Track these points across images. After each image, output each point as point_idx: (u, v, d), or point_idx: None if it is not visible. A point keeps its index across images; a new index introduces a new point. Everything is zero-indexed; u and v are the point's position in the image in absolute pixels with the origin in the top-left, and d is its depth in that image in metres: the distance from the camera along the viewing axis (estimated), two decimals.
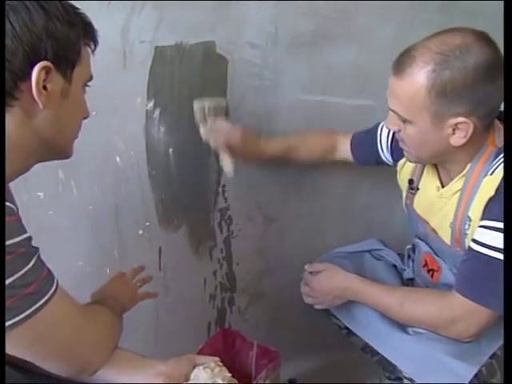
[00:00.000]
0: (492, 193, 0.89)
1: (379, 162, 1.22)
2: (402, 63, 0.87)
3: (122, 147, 1.18)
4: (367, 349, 1.18)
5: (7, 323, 0.60)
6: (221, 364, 0.87)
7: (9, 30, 0.63)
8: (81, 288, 1.13)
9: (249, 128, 1.22)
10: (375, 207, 1.43)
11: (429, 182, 1.06)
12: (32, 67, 0.64)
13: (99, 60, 1.05)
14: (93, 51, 0.77)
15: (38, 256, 0.67)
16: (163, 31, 1.16)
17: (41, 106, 0.67)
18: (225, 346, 1.26)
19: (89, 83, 0.77)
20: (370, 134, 1.22)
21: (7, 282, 0.59)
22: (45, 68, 0.65)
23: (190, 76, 1.21)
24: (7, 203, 0.62)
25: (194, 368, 0.85)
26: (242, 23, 1.21)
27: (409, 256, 1.22)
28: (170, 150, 1.23)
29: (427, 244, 1.10)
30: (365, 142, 1.23)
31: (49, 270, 0.69)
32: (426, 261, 1.12)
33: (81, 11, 0.73)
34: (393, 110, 0.92)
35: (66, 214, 1.18)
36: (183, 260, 1.31)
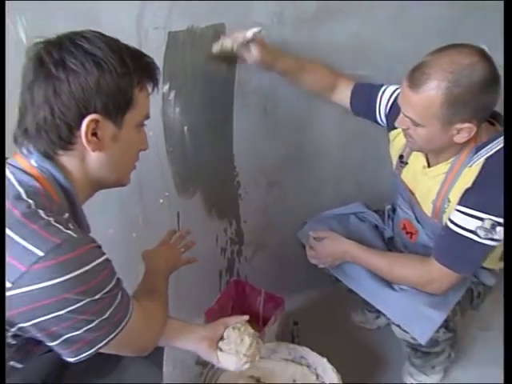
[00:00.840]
0: (469, 184, 1.08)
1: (372, 119, 1.34)
2: (417, 79, 1.00)
3: None
4: (352, 290, 1.43)
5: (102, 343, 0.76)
6: (246, 323, 1.08)
7: (65, 87, 0.72)
8: (112, 249, 1.33)
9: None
10: (365, 169, 1.58)
11: (416, 160, 1.23)
12: (83, 120, 0.74)
13: None
14: (153, 90, 0.84)
15: (123, 288, 0.79)
16: (175, 17, 1.21)
17: (91, 151, 0.77)
18: (236, 294, 1.49)
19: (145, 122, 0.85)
20: (372, 93, 1.32)
21: (104, 316, 0.73)
22: (93, 120, 0.74)
23: (202, 57, 1.28)
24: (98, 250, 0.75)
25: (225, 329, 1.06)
26: (249, 4, 1.26)
27: (389, 215, 1.42)
28: (185, 128, 1.33)
29: (410, 208, 1.29)
30: (365, 97, 1.33)
31: (127, 295, 0.81)
32: (404, 225, 1.33)
33: (142, 55, 0.81)
34: (406, 115, 1.06)
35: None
36: (198, 221, 1.47)
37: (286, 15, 1.32)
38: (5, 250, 0.68)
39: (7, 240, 0.67)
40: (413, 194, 1.27)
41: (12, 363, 0.79)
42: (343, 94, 1.34)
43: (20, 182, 0.74)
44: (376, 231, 1.44)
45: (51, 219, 0.70)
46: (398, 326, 1.21)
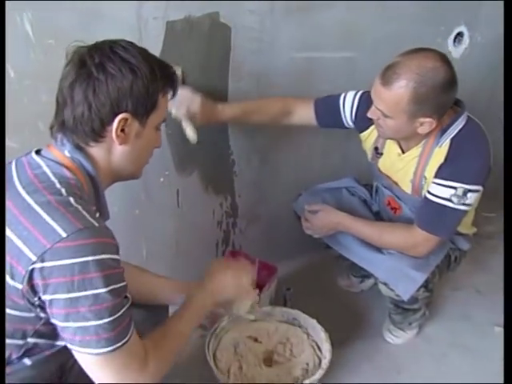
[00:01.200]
0: (442, 160, 1.23)
1: (340, 127, 1.45)
2: (389, 77, 1.14)
3: None
4: (340, 257, 1.56)
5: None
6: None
7: (104, 87, 0.81)
8: (118, 225, 1.43)
9: (204, 95, 1.31)
10: (350, 142, 1.66)
11: (391, 149, 1.37)
12: (115, 117, 0.84)
13: (119, 37, 1.20)
14: (172, 97, 0.94)
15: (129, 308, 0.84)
16: (173, 7, 1.27)
17: (118, 144, 0.87)
18: None
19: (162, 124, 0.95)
20: (334, 104, 1.42)
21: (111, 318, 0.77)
22: (124, 118, 0.84)
23: (198, 44, 1.35)
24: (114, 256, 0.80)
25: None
26: None
27: (376, 191, 1.55)
28: None
29: (390, 191, 1.43)
30: (328, 109, 1.44)
31: (130, 319, 0.83)
32: (388, 201, 1.46)
33: (167, 66, 0.90)
34: (377, 108, 1.19)
35: None
36: (196, 197, 1.57)
37: (277, 3, 1.40)
38: (5, 250, 0.77)
39: (38, 219, 0.76)
40: (390, 178, 1.41)
41: (24, 360, 0.85)
42: (302, 115, 1.44)
43: (54, 173, 0.83)
44: (365, 205, 1.57)
45: (79, 207, 0.79)
46: (385, 284, 1.36)
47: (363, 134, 1.42)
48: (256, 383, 1.24)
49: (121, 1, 1.20)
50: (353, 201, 1.54)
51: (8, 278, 0.77)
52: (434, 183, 1.24)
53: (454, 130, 1.23)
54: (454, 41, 1.74)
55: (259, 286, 1.56)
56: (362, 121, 1.36)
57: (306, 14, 1.44)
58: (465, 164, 1.22)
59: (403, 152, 1.34)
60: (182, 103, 1.27)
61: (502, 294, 1.70)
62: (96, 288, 0.77)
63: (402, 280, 1.32)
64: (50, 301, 0.77)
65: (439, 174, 1.24)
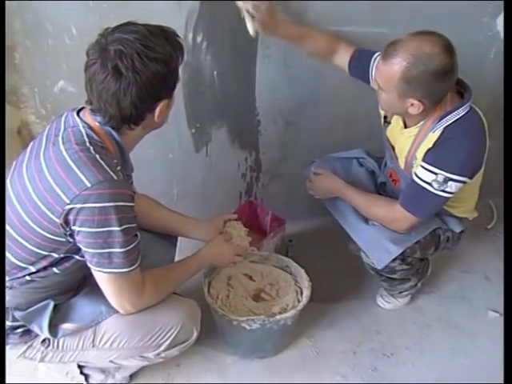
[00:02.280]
0: (430, 145, 1.30)
1: (366, 82, 1.48)
2: (388, 53, 1.21)
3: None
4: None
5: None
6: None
7: (143, 87, 0.95)
8: (153, 166, 1.64)
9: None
10: (374, 116, 1.75)
11: (397, 121, 1.44)
12: (156, 105, 1.02)
13: (162, 6, 1.40)
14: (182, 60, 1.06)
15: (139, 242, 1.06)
16: None
17: (157, 120, 1.06)
18: (250, 212, 1.82)
19: None
20: (367, 59, 1.47)
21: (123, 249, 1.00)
22: (164, 104, 1.03)
23: (231, 14, 1.50)
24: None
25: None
26: None
27: (385, 164, 1.63)
28: (215, 72, 1.60)
29: (392, 163, 1.51)
30: (360, 62, 1.49)
31: (138, 253, 1.05)
32: (390, 173, 1.55)
33: (178, 41, 1.03)
34: (376, 80, 1.28)
35: None
36: (223, 149, 1.78)
37: None
38: (5, 250, 1.03)
39: (70, 170, 0.96)
40: (393, 149, 1.49)
41: (53, 269, 1.07)
42: (342, 59, 1.51)
43: (87, 134, 1.03)
44: (371, 176, 1.66)
45: (103, 162, 0.99)
46: (364, 252, 1.49)
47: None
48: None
49: None
50: (360, 171, 1.64)
51: (49, 213, 0.98)
52: (420, 166, 1.32)
53: (451, 118, 1.28)
54: None
55: (267, 234, 1.77)
56: None
57: None
58: (449, 153, 1.27)
59: (406, 127, 1.41)
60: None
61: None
62: (111, 226, 0.98)
63: (377, 250, 1.42)
64: (78, 231, 0.99)
65: (425, 157, 1.31)
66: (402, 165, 1.44)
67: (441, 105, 1.29)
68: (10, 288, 1.07)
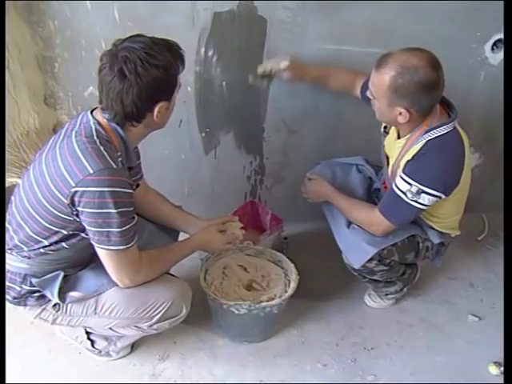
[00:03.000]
0: (410, 157, 1.42)
1: None
2: (380, 63, 1.34)
3: (191, 81, 1.76)
4: None
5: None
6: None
7: (143, 89, 1.11)
8: (167, 164, 1.80)
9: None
10: (374, 128, 1.88)
11: (393, 132, 1.57)
12: (154, 106, 1.17)
13: (177, 23, 1.57)
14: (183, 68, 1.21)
15: (136, 224, 1.23)
16: (219, 1, 1.62)
17: (157, 120, 1.21)
18: (251, 211, 1.98)
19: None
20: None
21: (120, 229, 1.17)
22: (162, 106, 1.18)
23: (239, 32, 1.68)
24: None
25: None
26: None
27: (382, 173, 1.75)
28: (224, 83, 1.78)
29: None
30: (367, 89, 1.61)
31: (134, 233, 1.21)
32: (384, 181, 1.67)
33: (178, 50, 1.18)
34: (370, 88, 1.40)
35: None
36: (230, 152, 1.95)
37: (308, 2, 1.66)
38: (5, 249, 1.25)
39: (77, 158, 1.12)
40: (387, 159, 1.61)
41: (62, 243, 1.24)
42: (358, 91, 1.69)
43: (96, 129, 1.19)
44: (366, 182, 1.78)
45: (106, 153, 1.15)
46: (343, 253, 1.61)
47: None
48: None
49: None
50: (357, 177, 1.77)
51: (59, 194, 1.14)
52: (399, 175, 1.43)
53: (434, 134, 1.38)
54: (492, 47, 1.80)
55: (264, 230, 1.91)
56: None
57: (334, 11, 1.67)
58: (425, 167, 1.38)
59: (398, 138, 1.52)
60: (275, 60, 1.64)
61: (492, 291, 1.86)
62: (108, 208, 1.14)
63: (355, 251, 1.54)
64: (82, 211, 1.16)
65: (404, 168, 1.43)
66: (389, 173, 1.57)
67: (428, 119, 1.40)
68: (28, 258, 1.26)
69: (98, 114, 1.23)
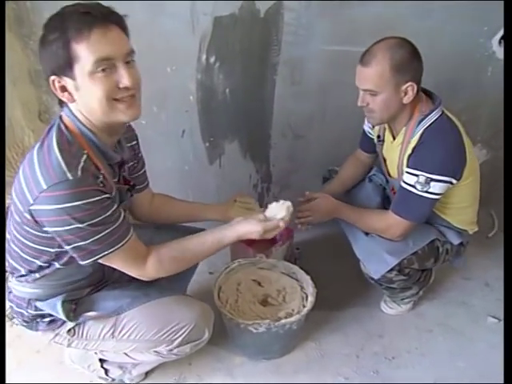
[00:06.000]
0: (410, 152, 1.34)
1: (371, 144, 1.59)
2: (367, 59, 1.28)
3: (193, 89, 1.62)
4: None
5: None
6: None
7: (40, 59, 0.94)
8: (170, 176, 1.67)
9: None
10: None
11: (387, 136, 1.48)
12: (48, 78, 0.96)
13: (176, 29, 1.43)
14: (89, 32, 0.90)
15: (121, 219, 1.03)
16: (220, 5, 1.49)
17: (69, 102, 0.98)
18: None
19: (106, 61, 0.93)
20: (362, 136, 1.63)
21: (101, 234, 0.99)
22: (52, 80, 0.95)
23: (241, 37, 1.55)
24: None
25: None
26: None
27: (387, 180, 1.63)
28: (227, 90, 1.64)
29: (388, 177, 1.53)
30: (362, 141, 1.64)
31: (127, 225, 1.05)
32: (392, 187, 1.56)
33: (79, 12, 0.90)
34: (365, 90, 1.30)
35: (159, 133, 1.70)
36: (236, 162, 1.82)
37: (312, 2, 1.53)
38: (5, 250, 1.09)
39: (33, 171, 0.94)
40: (385, 162, 1.52)
41: (55, 264, 1.08)
42: (365, 161, 1.67)
43: (58, 131, 0.99)
44: (379, 191, 1.65)
45: (62, 161, 0.93)
46: (363, 264, 1.49)
47: (374, 129, 1.55)
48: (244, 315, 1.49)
49: (178, 0, 1.45)
50: (368, 186, 1.66)
51: (24, 212, 0.98)
52: (405, 172, 1.35)
53: (426, 123, 1.32)
54: (500, 41, 1.69)
55: (276, 241, 1.79)
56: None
57: (339, 10, 1.55)
58: (427, 155, 1.30)
59: (394, 139, 1.44)
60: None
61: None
62: (72, 224, 0.95)
63: (375, 261, 1.43)
64: (48, 230, 0.99)
65: (408, 163, 1.35)
66: (395, 175, 1.46)
67: (418, 106, 1.33)
68: (28, 282, 1.13)
69: (64, 109, 1.04)
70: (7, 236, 1.14)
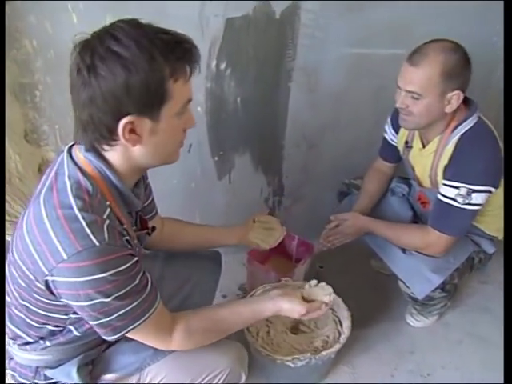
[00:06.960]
0: (446, 162, 1.24)
1: (395, 152, 1.49)
2: (417, 58, 1.17)
3: (201, 99, 1.44)
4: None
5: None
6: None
7: (98, 93, 0.71)
8: (176, 196, 1.50)
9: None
10: None
11: (416, 143, 1.36)
12: (118, 122, 0.74)
13: (184, 32, 1.25)
14: (191, 73, 0.78)
15: (149, 287, 0.85)
16: (232, 6, 1.31)
17: (131, 147, 0.78)
18: None
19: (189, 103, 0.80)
20: (383, 144, 1.52)
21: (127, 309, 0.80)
22: (128, 122, 0.74)
23: (255, 40, 1.38)
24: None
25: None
26: None
27: (410, 187, 1.53)
28: (238, 99, 1.47)
29: (419, 185, 1.42)
30: (383, 149, 1.53)
31: (154, 292, 0.86)
32: (419, 196, 1.45)
33: (176, 44, 0.74)
34: (408, 91, 1.18)
35: None
36: (247, 175, 1.65)
37: (330, 3, 1.38)
38: (5, 247, 0.84)
39: (47, 237, 0.75)
40: (414, 170, 1.42)
41: (71, 328, 0.90)
42: (387, 172, 1.56)
43: (69, 176, 0.80)
44: (402, 200, 1.53)
45: (84, 224, 0.75)
46: (403, 282, 1.39)
47: (399, 135, 1.42)
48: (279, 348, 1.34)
49: (185, 1, 1.26)
50: (393, 201, 1.53)
51: (34, 280, 0.80)
52: (442, 184, 1.24)
53: (463, 129, 1.22)
54: None
55: (296, 260, 1.65)
56: (396, 125, 1.38)
57: (357, 12, 1.41)
58: (467, 165, 1.20)
59: (424, 147, 1.33)
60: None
61: None
62: (97, 299, 0.78)
63: (418, 280, 1.33)
64: (69, 304, 0.81)
65: (445, 175, 1.25)
66: (427, 184, 1.36)
67: (456, 114, 1.23)
68: (35, 350, 0.93)
69: (76, 150, 0.84)
70: (6, 298, 0.92)
